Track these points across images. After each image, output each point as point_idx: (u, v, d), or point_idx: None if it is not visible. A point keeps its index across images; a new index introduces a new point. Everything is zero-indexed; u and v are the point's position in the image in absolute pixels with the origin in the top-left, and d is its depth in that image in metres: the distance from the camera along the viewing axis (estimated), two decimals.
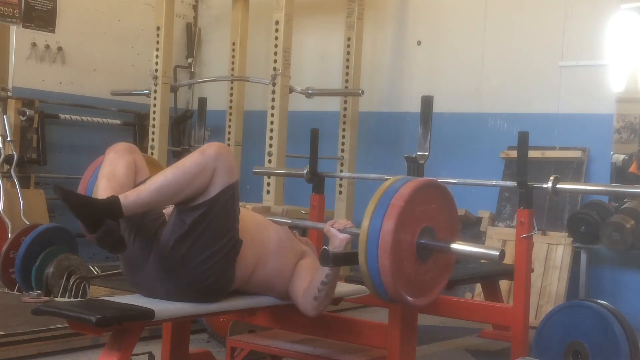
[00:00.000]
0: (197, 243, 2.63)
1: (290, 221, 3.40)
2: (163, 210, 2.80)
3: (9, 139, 5.98)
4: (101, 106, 6.94)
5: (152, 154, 6.33)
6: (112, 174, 2.73)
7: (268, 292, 2.95)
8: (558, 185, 3.70)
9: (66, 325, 2.62)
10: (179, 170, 2.60)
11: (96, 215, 2.46)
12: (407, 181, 2.68)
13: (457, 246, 2.70)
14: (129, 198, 2.53)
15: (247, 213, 2.93)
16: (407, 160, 3.92)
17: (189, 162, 2.62)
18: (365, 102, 6.56)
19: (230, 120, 6.99)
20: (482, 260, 4.63)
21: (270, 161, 5.79)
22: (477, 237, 5.95)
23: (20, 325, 3.89)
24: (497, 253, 2.63)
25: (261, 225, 2.94)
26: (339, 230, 2.87)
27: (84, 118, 6.75)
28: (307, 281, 2.88)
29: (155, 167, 3.17)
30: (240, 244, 2.75)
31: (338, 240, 2.86)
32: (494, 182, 4.58)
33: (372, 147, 6.69)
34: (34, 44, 6.55)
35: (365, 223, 2.59)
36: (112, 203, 2.50)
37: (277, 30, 5.86)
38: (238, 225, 2.74)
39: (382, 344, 3.00)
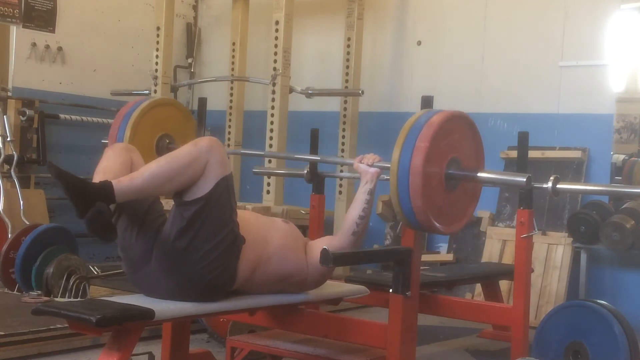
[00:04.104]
0: (197, 237, 2.66)
1: (318, 157, 3.85)
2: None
3: (9, 139, 5.98)
4: (101, 106, 6.93)
5: None
6: (108, 169, 2.76)
7: (283, 286, 2.97)
8: (558, 185, 3.68)
9: (66, 325, 2.62)
10: (173, 158, 2.66)
11: (88, 196, 2.46)
12: (434, 114, 2.77)
13: (483, 174, 2.86)
14: (122, 183, 2.56)
15: (247, 214, 2.94)
16: None
17: (183, 151, 2.68)
18: (365, 102, 6.56)
19: (230, 120, 6.99)
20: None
21: (270, 161, 5.79)
22: (477, 237, 5.95)
23: (20, 325, 3.89)
24: (524, 179, 2.80)
25: (260, 225, 2.95)
26: (368, 165, 2.96)
27: (84, 118, 6.74)
28: (327, 239, 2.96)
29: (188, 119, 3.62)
30: (243, 239, 2.77)
31: (369, 174, 2.97)
32: None
33: (372, 147, 6.60)
34: (34, 44, 6.55)
35: (396, 155, 2.69)
36: (105, 187, 2.51)
37: (277, 30, 5.86)
38: (236, 218, 2.77)
39: (382, 344, 3.00)
